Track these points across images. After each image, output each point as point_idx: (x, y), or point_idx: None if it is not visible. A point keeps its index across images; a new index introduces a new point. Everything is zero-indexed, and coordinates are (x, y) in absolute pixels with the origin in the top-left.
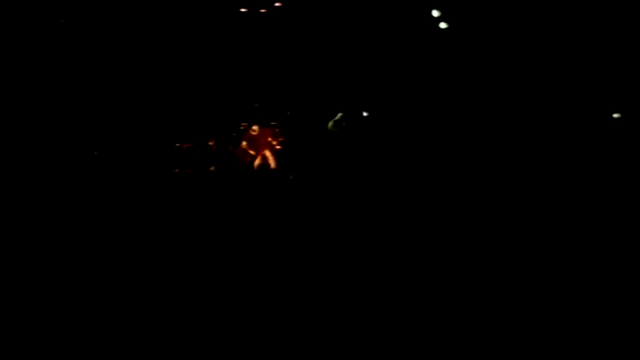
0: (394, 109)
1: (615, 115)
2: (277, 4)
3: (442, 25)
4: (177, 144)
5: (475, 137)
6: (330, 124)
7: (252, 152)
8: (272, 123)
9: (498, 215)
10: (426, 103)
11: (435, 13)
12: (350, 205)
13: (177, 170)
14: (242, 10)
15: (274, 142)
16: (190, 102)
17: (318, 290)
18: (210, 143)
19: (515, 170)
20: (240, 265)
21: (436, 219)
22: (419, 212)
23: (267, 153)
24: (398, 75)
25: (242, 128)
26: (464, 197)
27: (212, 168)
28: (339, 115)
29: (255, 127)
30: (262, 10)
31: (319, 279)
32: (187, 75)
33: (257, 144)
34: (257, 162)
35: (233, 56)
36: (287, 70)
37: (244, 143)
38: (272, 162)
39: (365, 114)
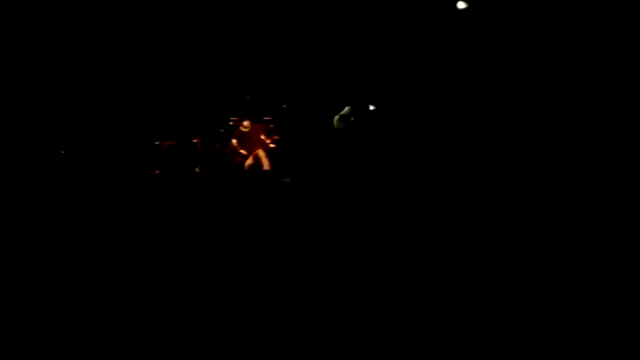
0: (412, 102)
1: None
2: None
3: (461, 5)
4: (157, 142)
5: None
6: (336, 119)
7: (243, 151)
8: (266, 118)
9: (517, 217)
10: (451, 95)
11: None
12: (356, 215)
13: (156, 172)
14: None
15: (268, 140)
16: (172, 94)
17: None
18: (195, 141)
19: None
20: (228, 281)
21: (461, 237)
22: (440, 230)
23: (261, 153)
24: (417, 60)
25: (231, 124)
26: (491, 205)
27: (197, 169)
28: (347, 108)
29: (246, 123)
30: None
31: (317, 303)
32: (168, 62)
33: (249, 142)
34: (248, 162)
35: (220, 40)
36: (283, 55)
37: (234, 141)
38: (265, 163)
39: (373, 107)
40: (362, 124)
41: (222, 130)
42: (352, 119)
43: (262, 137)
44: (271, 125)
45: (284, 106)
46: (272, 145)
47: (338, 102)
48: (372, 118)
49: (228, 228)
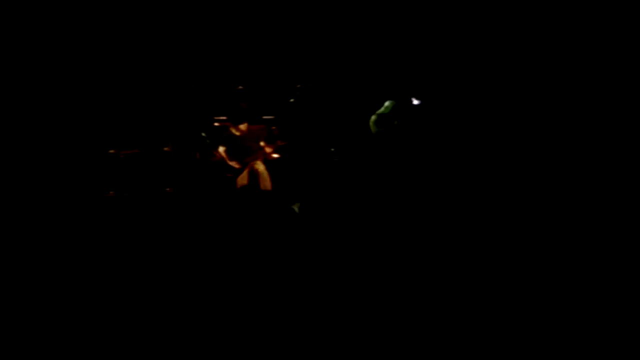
0: (480, 96)
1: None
2: None
3: None
4: (111, 151)
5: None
6: (372, 119)
7: (233, 163)
8: (266, 117)
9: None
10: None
11: None
12: (397, 259)
13: (111, 193)
14: None
15: (269, 149)
16: (134, 83)
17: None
18: (166, 149)
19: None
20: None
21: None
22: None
23: (258, 166)
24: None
25: (217, 125)
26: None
27: (167, 189)
28: (387, 104)
29: (242, 126)
30: None
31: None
32: (128, 40)
33: (243, 150)
34: (241, 180)
35: (203, 10)
36: (290, 29)
37: (221, 149)
38: (265, 181)
39: (418, 102)
40: (410, 128)
41: (203, 134)
42: (395, 122)
43: (261, 143)
44: (273, 127)
45: (291, 100)
46: (274, 156)
47: (372, 95)
48: (426, 118)
49: (211, 272)
